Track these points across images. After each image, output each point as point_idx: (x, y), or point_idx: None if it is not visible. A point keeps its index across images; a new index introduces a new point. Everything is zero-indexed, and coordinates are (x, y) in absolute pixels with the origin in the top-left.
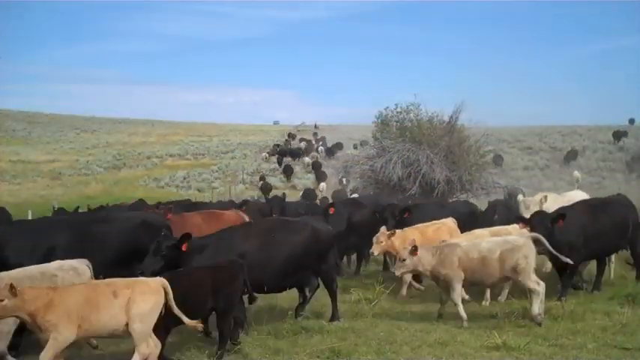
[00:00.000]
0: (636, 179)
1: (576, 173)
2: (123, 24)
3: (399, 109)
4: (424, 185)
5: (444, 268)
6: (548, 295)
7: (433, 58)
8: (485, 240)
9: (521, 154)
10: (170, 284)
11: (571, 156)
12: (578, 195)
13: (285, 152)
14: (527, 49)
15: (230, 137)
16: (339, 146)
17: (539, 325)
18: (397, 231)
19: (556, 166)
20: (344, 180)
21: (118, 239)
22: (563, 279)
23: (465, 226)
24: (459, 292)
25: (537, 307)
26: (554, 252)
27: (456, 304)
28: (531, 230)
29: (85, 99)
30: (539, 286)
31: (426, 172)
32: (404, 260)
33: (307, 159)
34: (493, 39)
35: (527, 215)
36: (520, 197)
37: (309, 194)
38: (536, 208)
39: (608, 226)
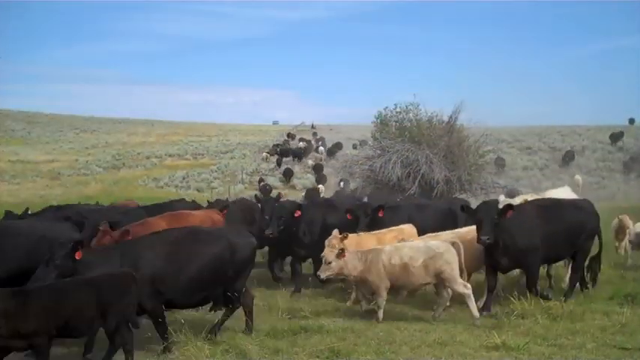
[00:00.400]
0: (635, 179)
1: (578, 177)
2: (123, 24)
3: (398, 109)
4: (424, 185)
5: (370, 274)
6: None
7: (433, 58)
8: (408, 246)
9: (520, 154)
10: (41, 297)
11: (568, 158)
12: (562, 193)
13: (288, 152)
14: (527, 49)
15: (229, 137)
16: (338, 146)
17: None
18: (351, 235)
19: (555, 166)
20: (341, 184)
21: (10, 256)
22: (527, 283)
23: (444, 227)
24: (384, 298)
25: (475, 309)
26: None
27: (378, 308)
28: (477, 220)
29: (85, 99)
30: (468, 289)
31: (426, 172)
32: (330, 263)
33: (310, 161)
34: (493, 39)
35: None
36: (501, 198)
37: (311, 195)
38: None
39: (559, 229)
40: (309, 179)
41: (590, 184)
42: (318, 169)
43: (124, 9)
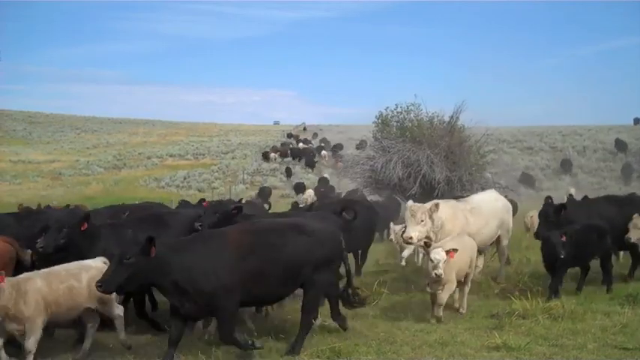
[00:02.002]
0: (637, 179)
1: (572, 190)
2: (123, 24)
3: (399, 109)
4: (424, 185)
5: (26, 306)
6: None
7: (434, 58)
8: (64, 268)
9: (521, 154)
10: None
11: (566, 165)
12: (487, 198)
13: (300, 155)
14: (528, 49)
15: (230, 137)
16: (339, 147)
17: (129, 348)
18: None
19: (556, 167)
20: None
21: None
22: (220, 334)
23: None
24: (38, 338)
25: (122, 331)
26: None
27: (29, 352)
28: None
29: (85, 99)
30: (120, 310)
31: (427, 173)
32: None
33: (326, 176)
34: (494, 39)
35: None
36: (410, 202)
37: (326, 194)
38: (423, 217)
39: (271, 260)
40: (311, 179)
41: (592, 185)
42: (322, 180)
43: (124, 9)
